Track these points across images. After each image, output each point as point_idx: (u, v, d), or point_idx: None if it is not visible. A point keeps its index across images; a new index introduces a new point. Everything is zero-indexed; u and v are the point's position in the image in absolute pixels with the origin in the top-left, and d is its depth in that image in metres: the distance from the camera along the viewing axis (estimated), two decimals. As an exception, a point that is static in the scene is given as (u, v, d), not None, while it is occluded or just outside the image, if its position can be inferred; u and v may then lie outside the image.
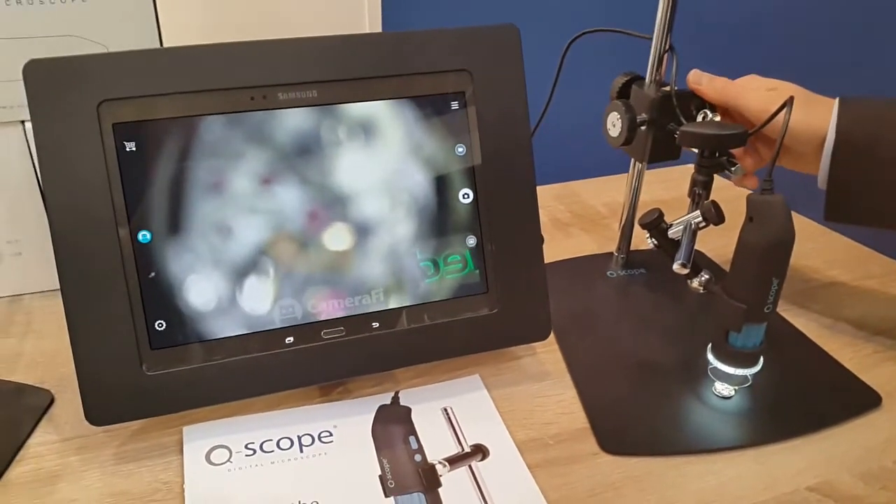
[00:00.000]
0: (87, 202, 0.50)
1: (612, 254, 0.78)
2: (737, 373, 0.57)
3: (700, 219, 0.61)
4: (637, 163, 0.71)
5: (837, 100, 0.62)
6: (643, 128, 0.65)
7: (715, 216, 0.60)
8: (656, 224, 0.64)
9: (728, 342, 0.56)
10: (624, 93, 0.68)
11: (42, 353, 0.64)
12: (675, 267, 0.60)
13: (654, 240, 0.64)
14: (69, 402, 0.58)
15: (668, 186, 0.89)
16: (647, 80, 0.67)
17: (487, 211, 0.58)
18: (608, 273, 0.76)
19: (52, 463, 0.53)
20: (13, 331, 0.67)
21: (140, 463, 0.53)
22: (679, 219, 0.63)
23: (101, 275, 0.51)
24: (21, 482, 0.51)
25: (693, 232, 0.61)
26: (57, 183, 0.50)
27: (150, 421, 0.56)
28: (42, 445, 0.54)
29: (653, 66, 0.66)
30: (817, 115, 0.62)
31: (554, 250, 0.77)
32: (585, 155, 0.97)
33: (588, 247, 0.82)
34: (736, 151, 0.67)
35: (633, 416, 0.57)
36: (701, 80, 0.67)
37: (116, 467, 0.52)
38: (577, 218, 0.90)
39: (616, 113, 0.66)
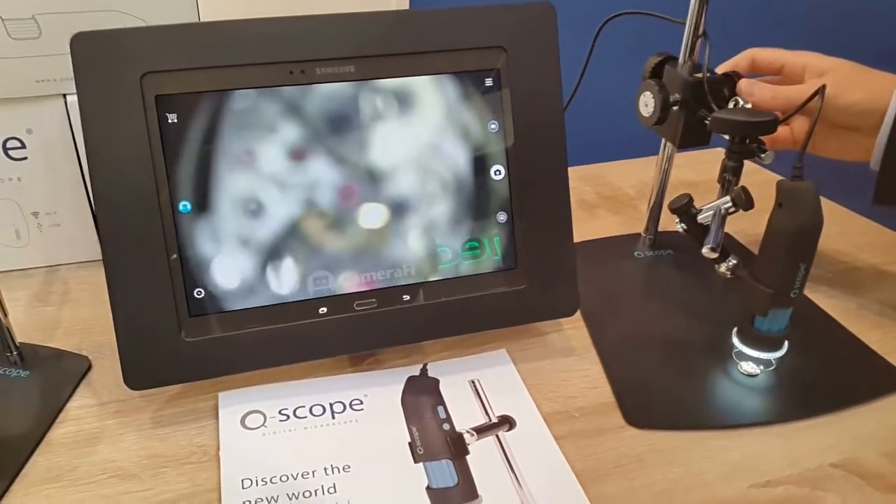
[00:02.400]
0: (130, 173, 0.51)
1: (639, 235, 0.78)
2: (761, 356, 0.57)
3: (730, 204, 0.61)
4: (667, 144, 0.71)
5: None
6: (676, 108, 0.66)
7: (745, 201, 0.60)
8: (686, 209, 0.64)
9: (754, 326, 0.57)
10: (657, 73, 0.68)
11: (79, 321, 0.66)
12: (705, 251, 0.61)
13: (683, 224, 0.65)
14: (106, 368, 0.59)
15: (696, 169, 0.89)
16: (679, 61, 0.67)
17: (519, 187, 0.58)
18: (635, 253, 0.76)
19: (91, 425, 0.54)
20: (51, 299, 0.69)
21: (176, 427, 0.54)
22: (709, 204, 0.63)
23: (143, 244, 0.52)
24: (62, 443, 0.53)
25: (723, 217, 0.62)
26: (101, 153, 0.51)
27: (185, 387, 0.57)
28: (81, 409, 0.56)
29: (685, 50, 0.66)
30: (879, 91, 0.61)
31: (581, 231, 0.77)
32: (613, 137, 0.97)
33: (615, 228, 0.82)
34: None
35: (659, 392, 0.58)
36: (752, 92, 0.65)
37: (153, 431, 0.54)
38: (605, 199, 0.90)
39: (649, 92, 0.66)
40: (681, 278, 0.73)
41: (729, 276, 0.62)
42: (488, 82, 0.57)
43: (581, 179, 0.94)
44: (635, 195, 0.91)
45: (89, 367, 0.60)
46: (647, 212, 0.76)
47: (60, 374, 0.59)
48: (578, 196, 0.90)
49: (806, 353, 0.60)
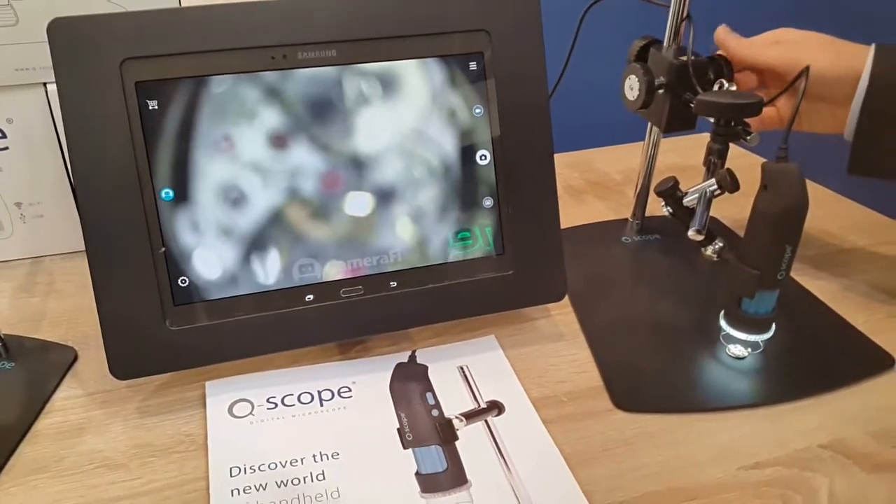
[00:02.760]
0: (111, 160, 0.51)
1: (626, 220, 0.78)
2: (749, 338, 0.57)
3: (715, 187, 0.61)
4: (653, 129, 0.71)
5: (874, 45, 0.61)
6: (661, 91, 0.65)
7: (730, 184, 0.60)
8: (671, 192, 0.64)
9: (741, 309, 0.57)
10: (642, 56, 0.68)
11: (64, 312, 0.65)
12: (691, 233, 0.61)
13: (669, 208, 0.65)
14: (92, 359, 0.59)
15: (682, 154, 0.89)
16: (664, 44, 0.67)
17: (505, 172, 0.58)
18: (623, 238, 0.76)
19: (77, 416, 0.54)
20: (36, 291, 0.68)
21: (163, 416, 0.54)
22: (694, 187, 0.63)
23: (125, 232, 0.51)
24: (49, 433, 0.52)
25: (708, 200, 0.62)
26: (81, 141, 0.50)
27: (172, 376, 0.57)
28: (67, 399, 0.55)
29: (670, 33, 0.66)
30: (851, 61, 0.61)
31: (568, 217, 0.77)
32: (600, 124, 0.97)
33: (602, 213, 0.82)
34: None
35: (647, 375, 0.58)
36: (727, 41, 0.67)
37: (140, 420, 0.53)
38: (592, 185, 0.90)
39: (634, 76, 0.66)
40: (668, 262, 0.73)
41: (715, 258, 0.62)
42: (472, 66, 0.57)
43: (568, 166, 0.94)
44: (622, 181, 0.91)
45: (75, 358, 0.59)
46: (634, 197, 0.76)
47: (46, 365, 0.58)
48: (565, 182, 0.90)
49: (793, 335, 0.60)
